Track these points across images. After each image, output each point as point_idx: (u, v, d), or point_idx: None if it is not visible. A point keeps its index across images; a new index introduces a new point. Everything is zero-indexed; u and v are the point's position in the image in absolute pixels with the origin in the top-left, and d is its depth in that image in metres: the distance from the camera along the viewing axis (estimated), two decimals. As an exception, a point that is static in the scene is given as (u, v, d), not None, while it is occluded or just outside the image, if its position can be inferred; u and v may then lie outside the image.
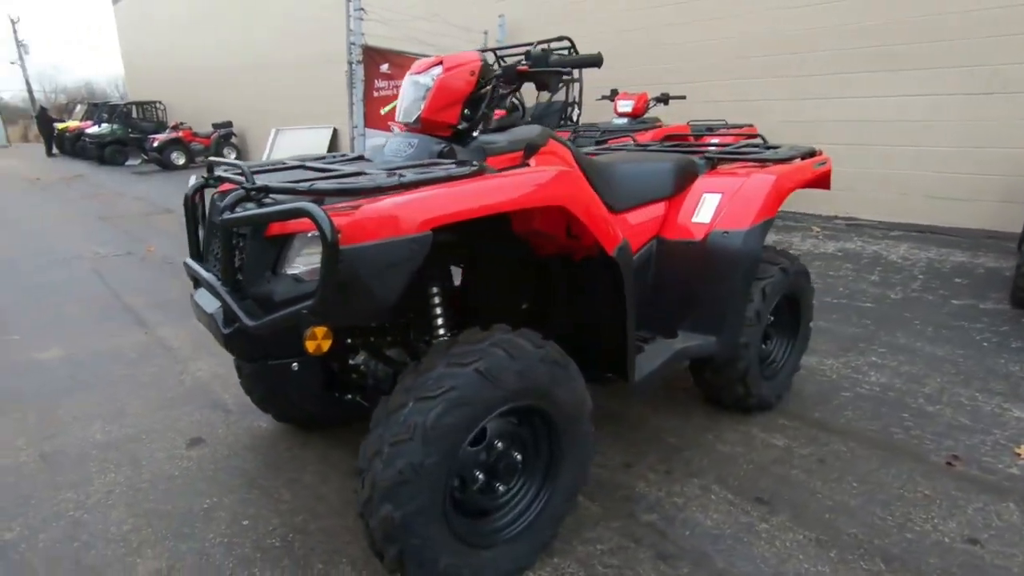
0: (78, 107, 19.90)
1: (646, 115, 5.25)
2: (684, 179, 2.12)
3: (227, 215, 1.19)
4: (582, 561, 1.51)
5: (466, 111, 1.56)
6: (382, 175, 1.20)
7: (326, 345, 1.11)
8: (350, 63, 6.28)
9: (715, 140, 3.58)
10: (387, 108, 1.99)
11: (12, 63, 28.36)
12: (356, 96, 6.41)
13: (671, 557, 1.52)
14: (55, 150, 18.63)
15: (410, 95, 1.57)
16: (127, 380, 2.49)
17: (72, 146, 17.04)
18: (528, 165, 1.61)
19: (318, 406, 1.78)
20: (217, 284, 1.25)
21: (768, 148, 2.42)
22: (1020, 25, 4.65)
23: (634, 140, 3.48)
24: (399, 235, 1.05)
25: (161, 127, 15.94)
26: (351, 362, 1.67)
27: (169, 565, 1.46)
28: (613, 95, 5.35)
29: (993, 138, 4.86)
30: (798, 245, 4.88)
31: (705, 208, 2.02)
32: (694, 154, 2.31)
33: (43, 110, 20.88)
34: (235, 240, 1.27)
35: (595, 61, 1.58)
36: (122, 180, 11.20)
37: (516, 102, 6.09)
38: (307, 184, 1.13)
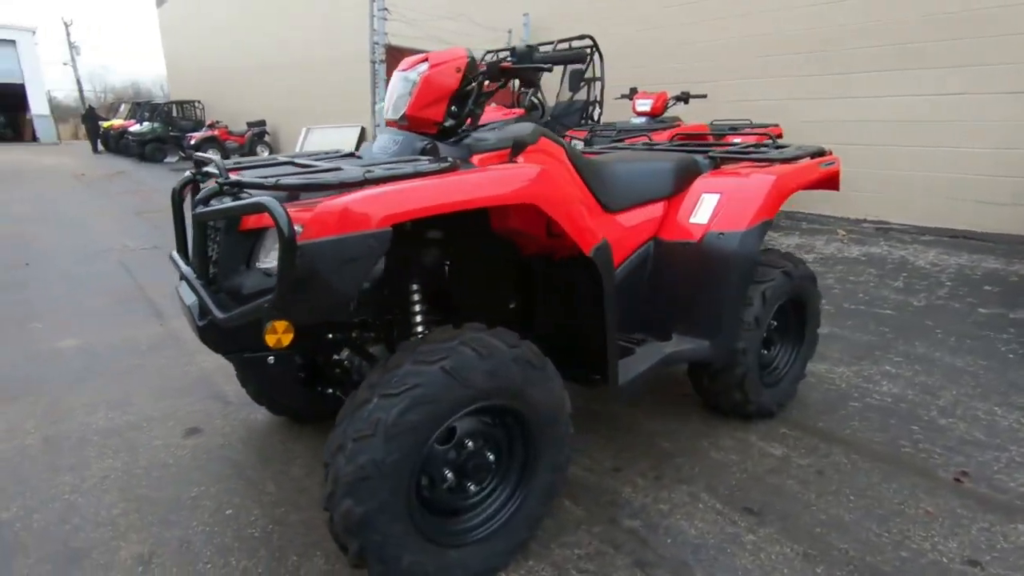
0: (122, 106, 20.71)
1: (665, 114, 5.16)
2: (685, 179, 2.08)
3: (199, 209, 1.21)
4: (557, 565, 1.48)
5: (453, 108, 1.56)
6: (354, 171, 1.20)
7: (287, 340, 1.12)
8: (373, 62, 6.37)
9: (738, 140, 3.50)
10: None
11: (64, 64, 29.70)
12: (379, 95, 6.49)
13: (649, 565, 1.48)
14: (100, 147, 19.41)
15: (397, 92, 1.57)
16: (137, 370, 2.57)
17: (116, 143, 17.74)
18: (516, 163, 1.61)
19: (301, 400, 1.80)
20: (192, 277, 1.27)
21: (776, 148, 2.35)
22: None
23: (650, 139, 3.42)
24: (357, 231, 1.05)
25: (199, 125, 16.46)
26: (335, 357, 1.69)
27: (151, 550, 1.49)
28: (632, 94, 5.27)
29: (1035, 139, 4.63)
30: (821, 249, 4.73)
31: (703, 208, 1.97)
32: (700, 153, 2.26)
33: (91, 109, 21.78)
34: (212, 234, 1.30)
35: (579, 58, 1.55)
36: (160, 177, 11.59)
37: (536, 101, 6.07)
38: (273, 179, 1.14)
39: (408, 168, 1.20)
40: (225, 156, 14.56)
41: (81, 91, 29.40)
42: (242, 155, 13.57)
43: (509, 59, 1.55)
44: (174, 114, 16.85)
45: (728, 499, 1.74)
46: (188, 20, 21.64)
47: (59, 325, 3.14)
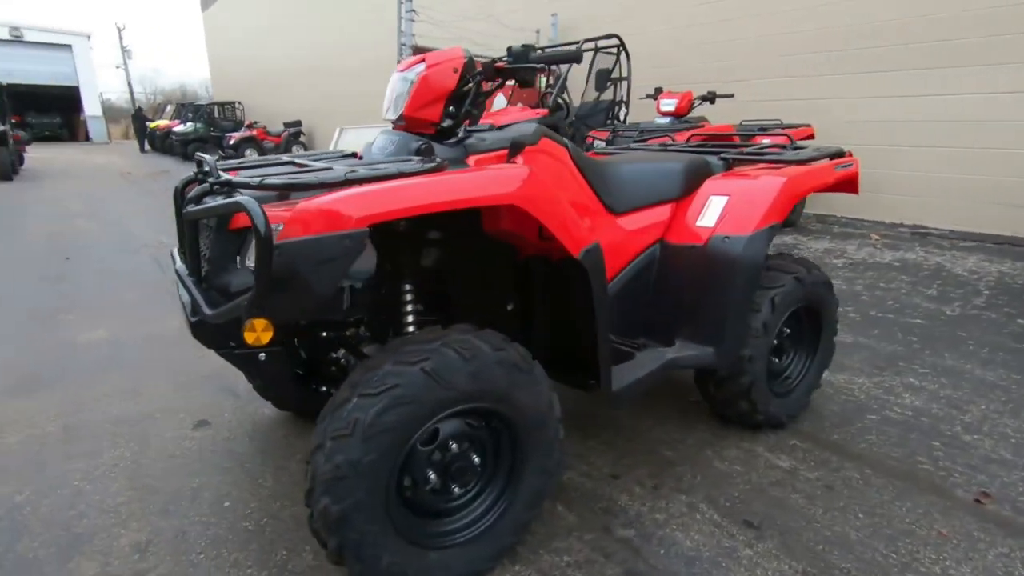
0: (168, 107, 21.52)
1: (691, 114, 5.06)
2: (695, 181, 2.03)
3: (188, 208, 1.24)
4: (544, 572, 1.46)
5: (451, 108, 1.55)
6: (338, 171, 1.21)
7: (266, 337, 1.13)
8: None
9: (766, 140, 3.41)
10: None
11: (117, 67, 31.09)
12: (406, 96, 6.54)
13: (638, 576, 1.45)
14: (147, 147, 20.21)
15: (395, 92, 1.58)
16: (157, 362, 2.66)
17: (162, 143, 18.45)
18: (514, 163, 1.60)
19: (298, 397, 1.82)
20: (184, 274, 1.30)
21: (795, 149, 2.27)
22: None
23: (672, 140, 3.36)
24: (333, 231, 1.05)
25: (239, 126, 16.97)
26: (331, 356, 1.70)
27: (148, 539, 1.54)
28: (657, 94, 5.19)
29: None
30: (851, 254, 4.56)
31: (710, 211, 1.91)
32: (713, 155, 2.20)
33: (139, 110, 22.72)
34: (207, 232, 1.33)
35: (574, 57, 1.53)
36: (199, 175, 11.97)
37: (561, 102, 6.04)
38: (258, 179, 1.16)
39: (391, 168, 1.21)
40: (262, 156, 15.08)
41: (132, 93, 30.72)
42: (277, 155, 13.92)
43: (505, 59, 1.54)
44: (215, 115, 17.42)
45: (728, 511, 1.69)
46: (231, 24, 22.36)
47: (90, 317, 3.28)
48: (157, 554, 1.49)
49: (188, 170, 1.52)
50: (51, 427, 2.09)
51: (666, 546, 1.55)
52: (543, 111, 6.02)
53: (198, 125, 16.52)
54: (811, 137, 5.23)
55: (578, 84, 6.43)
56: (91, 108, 26.67)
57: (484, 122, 2.62)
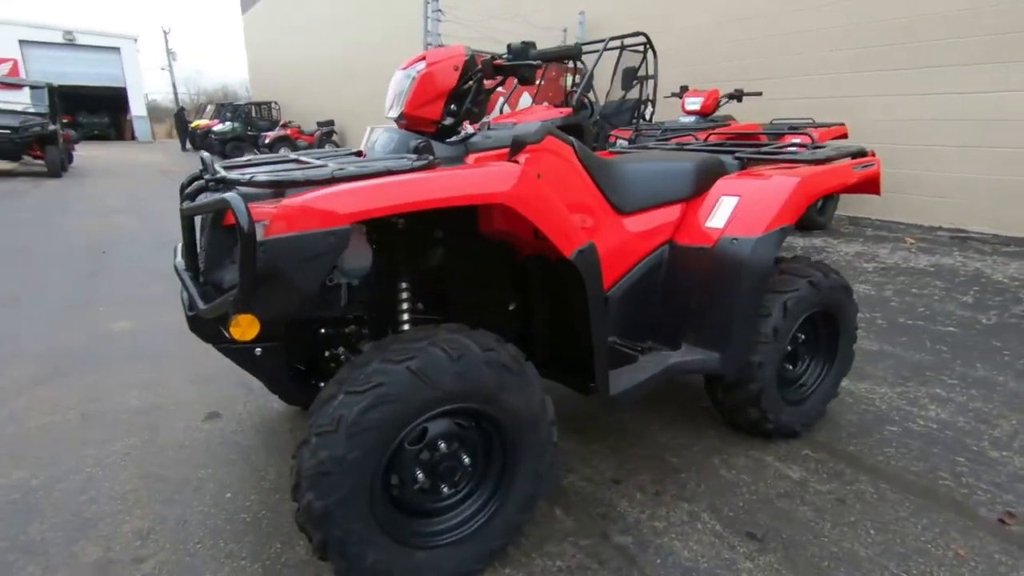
0: (208, 107, 22.20)
1: (717, 113, 4.95)
2: (706, 180, 1.97)
3: (183, 205, 1.26)
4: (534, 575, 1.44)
5: (452, 107, 1.55)
6: (326, 168, 1.22)
7: (251, 333, 1.14)
8: (426, 63, 6.48)
9: (797, 139, 3.31)
10: None
11: (163, 69, 32.22)
12: (431, 95, 6.58)
13: (631, 585, 1.41)
14: (188, 145, 20.90)
15: (396, 90, 1.58)
16: (176, 354, 2.73)
17: (202, 142, 19.02)
18: (516, 162, 1.58)
19: (298, 393, 1.84)
20: (182, 269, 1.33)
21: (815, 148, 2.19)
22: None
23: (696, 139, 3.30)
24: (317, 227, 1.06)
25: (274, 125, 17.39)
26: (330, 353, 1.71)
27: (150, 526, 1.58)
28: (682, 92, 5.09)
29: None
30: (884, 258, 4.38)
31: (720, 212, 1.86)
32: (728, 154, 2.15)
33: (181, 110, 23.50)
34: (202, 228, 1.35)
35: (573, 53, 1.50)
36: (234, 173, 12.30)
37: (585, 100, 5.98)
38: (248, 176, 1.17)
39: (379, 165, 1.20)
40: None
41: (176, 93, 31.82)
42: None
43: (504, 56, 1.52)
44: (253, 115, 17.89)
45: (731, 521, 1.64)
46: (269, 26, 22.94)
47: (119, 309, 3.39)
48: (157, 541, 1.52)
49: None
50: (70, 414, 2.17)
51: (663, 555, 1.51)
52: (567, 110, 5.99)
53: (236, 124, 17.00)
54: (844, 136, 5.05)
55: (604, 83, 6.35)
56: (137, 108, 27.74)
57: (508, 120, 2.61)
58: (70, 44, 25.25)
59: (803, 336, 2.04)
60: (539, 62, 1.47)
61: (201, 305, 1.21)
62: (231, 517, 1.62)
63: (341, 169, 1.17)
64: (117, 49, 26.68)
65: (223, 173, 1.27)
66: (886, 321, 3.14)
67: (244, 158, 1.69)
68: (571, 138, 1.78)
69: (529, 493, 1.44)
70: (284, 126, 16.12)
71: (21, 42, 23.54)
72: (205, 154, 1.33)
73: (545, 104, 6.58)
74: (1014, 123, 4.65)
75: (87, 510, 1.64)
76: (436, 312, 1.72)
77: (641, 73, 6.10)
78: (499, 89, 7.25)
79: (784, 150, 2.14)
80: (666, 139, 4.38)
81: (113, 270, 4.32)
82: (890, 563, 1.48)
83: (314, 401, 1.25)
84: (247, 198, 1.23)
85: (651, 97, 6.27)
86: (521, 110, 6.87)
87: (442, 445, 1.32)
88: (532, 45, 1.51)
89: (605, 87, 6.29)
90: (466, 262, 1.62)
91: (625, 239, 1.86)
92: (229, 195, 1.06)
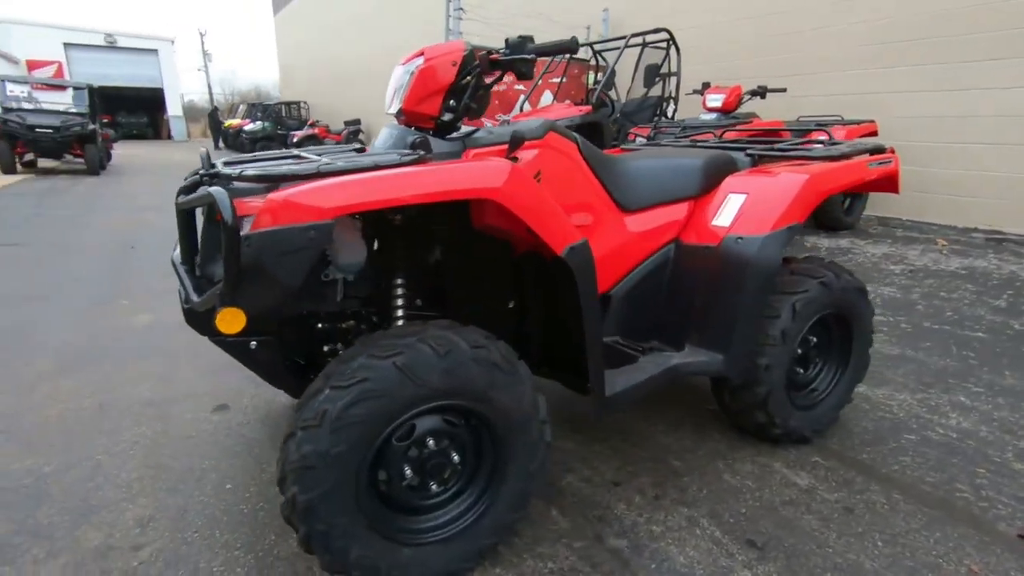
0: (241, 107, 22.74)
1: (740, 110, 4.84)
2: (715, 178, 1.93)
3: (179, 199, 1.28)
4: (524, 576, 1.43)
5: (451, 102, 1.54)
6: (314, 163, 1.22)
7: (237, 326, 1.15)
8: (447, 62, 6.50)
9: (823, 137, 3.22)
10: None
11: (199, 70, 33.19)
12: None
13: (622, 590, 1.39)
14: (221, 144, 21.44)
15: (394, 85, 1.58)
16: (190, 347, 2.79)
17: (234, 140, 19.51)
18: (515, 158, 1.57)
19: (294, 386, 1.85)
20: (178, 262, 1.35)
21: (832, 144, 2.12)
22: None
23: (716, 136, 3.23)
24: (298, 222, 1.06)
25: (303, 124, 17.72)
26: (329, 347, 1.72)
27: (151, 515, 1.61)
28: (703, 89, 4.99)
29: None
30: (913, 260, 4.22)
31: (727, 210, 1.81)
32: (740, 150, 2.09)
33: (215, 110, 24.14)
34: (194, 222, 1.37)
35: (570, 47, 1.47)
36: (263, 171, 12.57)
37: (605, 98, 5.92)
38: (238, 171, 1.18)
39: (367, 161, 1.20)
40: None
41: (211, 94, 32.70)
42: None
43: (501, 51, 1.51)
44: (282, 114, 18.25)
45: (731, 528, 1.59)
46: (298, 27, 23.37)
47: (141, 303, 3.49)
48: (156, 529, 1.55)
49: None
50: (86, 404, 2.23)
51: (657, 560, 1.48)
52: (587, 108, 5.93)
53: (266, 124, 17.37)
54: (874, 134, 4.89)
55: (626, 80, 6.28)
56: (173, 108, 28.54)
57: (528, 118, 2.58)
58: (111, 47, 26.13)
59: (815, 339, 1.98)
60: (534, 56, 1.44)
61: (194, 298, 1.23)
62: (229, 508, 1.64)
63: (328, 164, 1.17)
64: (155, 51, 27.49)
65: (219, 168, 1.29)
66: (910, 325, 3.02)
67: (249, 155, 1.71)
68: (575, 134, 1.76)
69: (520, 492, 1.42)
70: (312, 125, 16.41)
71: (65, 45, 24.46)
72: (203, 149, 1.35)
73: (567, 102, 6.54)
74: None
75: (93, 497, 1.68)
76: (435, 309, 1.71)
77: (664, 70, 6.02)
78: (519, 87, 7.25)
79: (798, 146, 2.07)
80: (685, 136, 4.31)
81: (139, 265, 4.45)
82: (897, 577, 1.42)
83: (303, 394, 1.26)
84: (243, 193, 1.25)
85: (673, 94, 6.18)
86: (541, 108, 6.84)
87: (430, 442, 1.31)
88: (529, 39, 1.49)
89: (627, 84, 6.21)
90: (464, 259, 1.61)
91: (629, 237, 1.82)
92: (214, 189, 1.07)
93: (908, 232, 4.95)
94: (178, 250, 1.44)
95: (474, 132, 1.61)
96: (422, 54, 1.53)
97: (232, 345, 1.43)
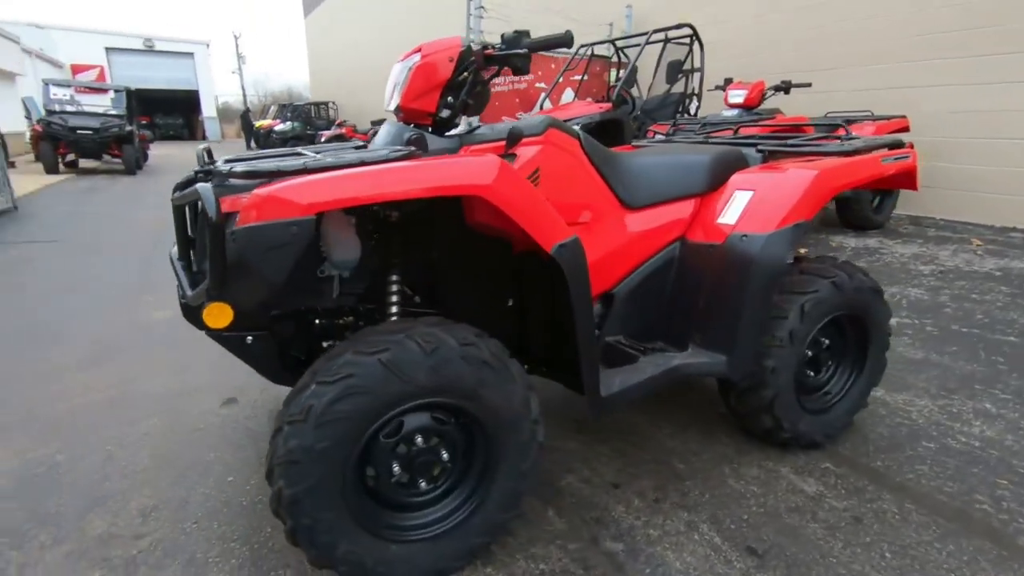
0: (271, 108, 23.22)
1: (763, 106, 4.72)
2: (723, 174, 1.88)
3: (174, 195, 1.30)
4: (515, 577, 1.41)
5: (449, 99, 1.53)
6: (300, 159, 1.22)
7: (224, 321, 1.16)
8: (469, 60, 6.52)
9: (855, 134, 3.12)
10: None
11: (233, 72, 34.02)
12: (474, 92, 6.62)
13: (614, 594, 1.36)
14: (252, 144, 21.92)
15: (393, 82, 1.58)
16: (205, 341, 2.84)
17: (265, 141, 19.92)
18: (513, 155, 1.55)
19: (292, 381, 1.87)
20: (175, 258, 1.38)
21: (849, 139, 2.05)
22: None
23: (736, 133, 3.15)
24: (280, 218, 1.06)
25: (331, 124, 17.99)
26: (328, 343, 1.73)
27: (154, 505, 1.65)
28: (726, 84, 4.88)
29: None
30: (944, 260, 4.05)
31: (733, 207, 1.76)
32: (752, 146, 2.04)
33: (246, 111, 24.66)
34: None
35: (565, 41, 1.44)
36: (291, 171, 12.82)
37: (627, 96, 5.84)
38: (229, 167, 1.19)
39: (353, 157, 1.20)
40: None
41: (244, 95, 33.47)
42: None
43: (497, 46, 1.49)
44: (312, 115, 18.56)
45: (731, 534, 1.55)
46: (327, 29, 23.75)
47: (163, 299, 3.59)
48: (158, 519, 1.59)
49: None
50: (101, 397, 2.30)
51: (653, 565, 1.45)
52: (607, 105, 5.86)
53: (295, 124, 17.70)
54: (905, 130, 4.71)
55: (647, 77, 6.19)
56: (208, 110, 29.38)
57: (553, 115, 2.55)
58: (149, 50, 27.01)
59: (827, 341, 1.91)
60: (525, 51, 1.42)
61: (188, 292, 1.25)
62: (229, 500, 1.67)
63: (315, 160, 1.18)
64: (191, 54, 28.33)
65: (216, 165, 1.30)
66: (937, 328, 2.89)
67: (252, 152, 1.73)
68: (577, 130, 1.73)
69: (512, 492, 1.40)
70: (339, 125, 16.64)
71: (107, 49, 25.38)
72: (200, 147, 1.37)
73: (588, 99, 6.49)
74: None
75: (101, 487, 1.73)
76: (434, 306, 1.71)
77: (687, 66, 5.91)
78: (540, 85, 7.21)
79: (810, 142, 2.00)
80: (704, 133, 4.22)
81: (164, 262, 4.57)
82: (904, 590, 1.36)
83: (292, 389, 1.27)
84: (239, 190, 1.26)
85: (696, 91, 6.06)
86: (562, 105, 6.80)
87: (419, 439, 1.31)
88: (525, 34, 1.47)
89: (648, 81, 6.12)
90: (461, 256, 1.60)
91: (633, 235, 1.79)
92: (199, 185, 1.09)
93: (941, 232, 4.76)
94: (175, 246, 1.47)
95: (474, 129, 1.60)
96: (419, 50, 1.53)
97: (228, 340, 1.45)
